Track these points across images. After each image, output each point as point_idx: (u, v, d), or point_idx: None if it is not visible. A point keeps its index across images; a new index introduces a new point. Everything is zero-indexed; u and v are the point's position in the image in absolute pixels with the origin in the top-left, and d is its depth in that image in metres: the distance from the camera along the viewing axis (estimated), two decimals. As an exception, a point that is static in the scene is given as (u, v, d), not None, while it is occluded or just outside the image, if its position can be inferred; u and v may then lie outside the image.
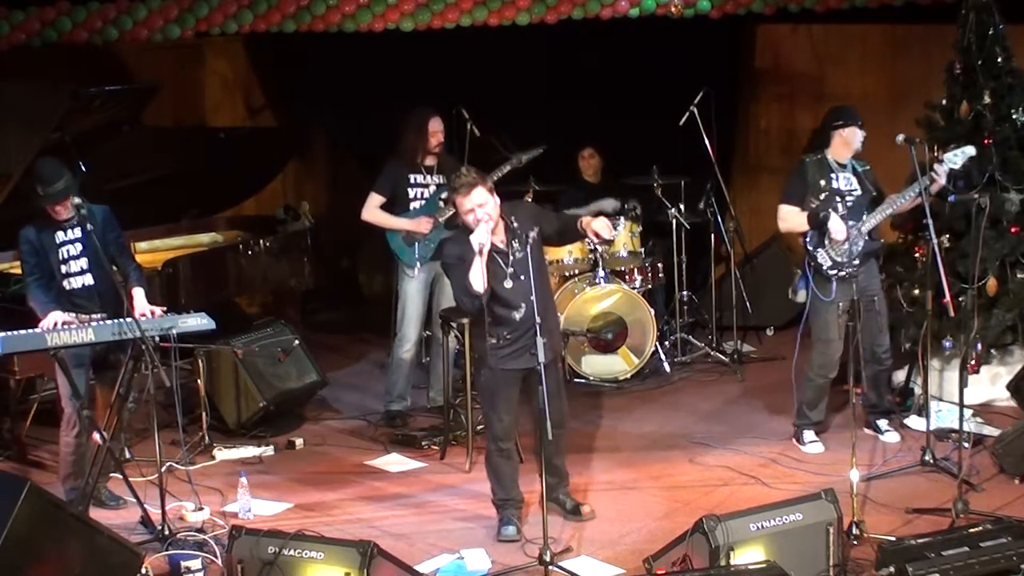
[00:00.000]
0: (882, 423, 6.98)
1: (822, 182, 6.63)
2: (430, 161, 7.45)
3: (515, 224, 5.68)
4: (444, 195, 7.43)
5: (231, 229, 8.97)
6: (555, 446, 5.82)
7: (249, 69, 10.48)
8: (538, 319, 5.49)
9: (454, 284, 5.73)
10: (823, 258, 6.59)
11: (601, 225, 5.58)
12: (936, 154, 7.04)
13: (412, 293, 7.48)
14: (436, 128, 7.39)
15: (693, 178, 8.88)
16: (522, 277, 5.60)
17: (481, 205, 5.53)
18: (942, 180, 6.47)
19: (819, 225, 6.54)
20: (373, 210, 7.43)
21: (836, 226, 6.49)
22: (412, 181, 7.43)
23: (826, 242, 6.57)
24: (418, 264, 7.43)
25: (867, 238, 6.60)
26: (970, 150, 6.56)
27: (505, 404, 5.79)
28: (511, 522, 5.90)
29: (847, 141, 6.66)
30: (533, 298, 5.53)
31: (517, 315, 5.61)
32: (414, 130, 7.38)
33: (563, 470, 6.12)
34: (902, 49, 9.35)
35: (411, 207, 7.43)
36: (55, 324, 5.80)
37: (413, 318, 7.50)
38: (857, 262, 6.53)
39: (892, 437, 6.92)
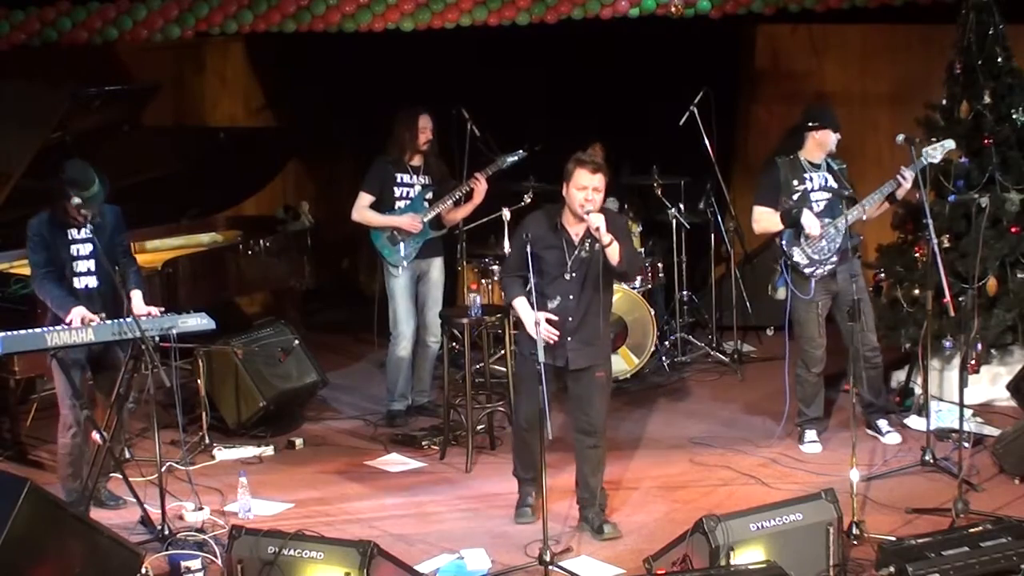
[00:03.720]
0: (883, 424, 6.97)
1: (795, 182, 6.65)
2: (416, 161, 7.47)
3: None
4: (429, 196, 7.47)
5: (231, 229, 8.97)
6: (590, 464, 5.88)
7: (249, 69, 10.48)
8: (570, 319, 5.67)
9: (508, 263, 5.96)
10: (799, 256, 6.60)
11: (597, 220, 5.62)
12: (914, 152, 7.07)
13: (400, 290, 7.48)
14: (425, 125, 7.40)
15: (693, 178, 8.87)
16: (574, 274, 5.70)
17: (597, 190, 5.62)
18: (907, 184, 6.44)
19: (793, 223, 6.56)
20: (363, 210, 7.44)
21: (809, 222, 6.51)
22: (399, 180, 7.44)
23: (801, 240, 6.58)
24: (404, 263, 7.44)
25: (843, 234, 6.58)
26: (949, 143, 6.54)
27: (528, 392, 5.79)
28: (526, 503, 6.01)
29: (820, 143, 6.67)
30: (572, 298, 5.69)
31: (551, 304, 5.72)
32: (405, 127, 7.40)
33: (596, 489, 5.91)
34: (902, 49, 9.35)
35: (396, 207, 7.44)
36: (82, 319, 5.79)
37: (405, 315, 7.50)
38: (835, 259, 6.55)
39: (893, 438, 6.91)
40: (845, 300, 6.53)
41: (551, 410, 5.48)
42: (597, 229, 5.53)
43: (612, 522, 5.91)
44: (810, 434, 6.89)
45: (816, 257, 6.57)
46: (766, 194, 6.72)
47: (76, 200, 5.77)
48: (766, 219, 6.70)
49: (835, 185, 6.68)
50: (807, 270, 6.60)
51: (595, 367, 5.80)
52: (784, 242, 6.64)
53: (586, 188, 5.58)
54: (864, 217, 6.65)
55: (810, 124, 6.70)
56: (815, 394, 6.89)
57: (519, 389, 6.03)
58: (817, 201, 6.64)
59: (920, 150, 6.39)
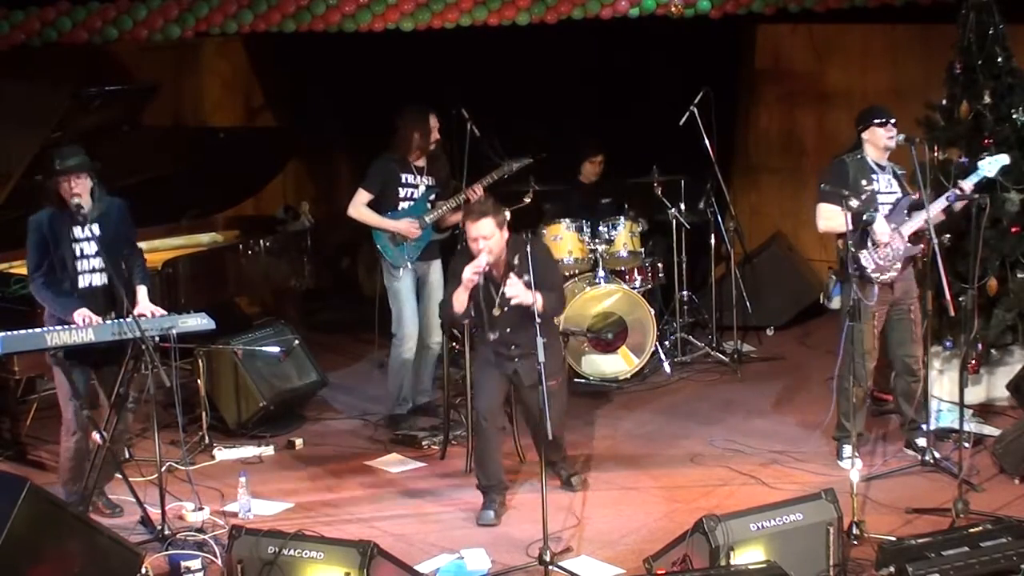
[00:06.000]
0: (922, 442, 6.63)
1: (863, 182, 6.45)
2: (421, 162, 7.45)
3: (515, 262, 5.92)
4: (433, 197, 7.46)
5: (231, 229, 8.97)
6: (554, 441, 6.05)
7: (249, 69, 10.48)
8: (514, 347, 5.95)
9: (446, 293, 6.10)
10: (866, 260, 6.35)
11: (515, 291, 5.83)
12: (937, 154, 7.04)
13: (404, 291, 7.46)
14: (436, 124, 7.38)
15: (693, 178, 8.87)
16: (506, 309, 5.89)
17: (485, 238, 5.79)
18: (968, 191, 6.28)
19: (863, 226, 6.33)
20: (360, 207, 7.40)
21: (881, 228, 6.32)
22: (403, 181, 7.41)
23: (869, 244, 6.38)
24: (407, 264, 7.42)
25: (907, 242, 6.43)
26: (1004, 158, 6.42)
27: (487, 384, 6.07)
28: (490, 507, 6.06)
29: (871, 141, 6.53)
30: (508, 330, 5.93)
31: (491, 336, 5.93)
32: (414, 127, 7.35)
33: (561, 447, 6.41)
34: (902, 49, 9.35)
35: (400, 207, 7.42)
36: (87, 320, 5.78)
37: (410, 316, 7.48)
38: (899, 266, 6.43)
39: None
40: (896, 312, 6.50)
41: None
42: (515, 297, 5.79)
43: (578, 473, 6.48)
44: (847, 449, 6.47)
45: (882, 263, 6.38)
46: (833, 192, 6.37)
47: (56, 167, 5.76)
48: (834, 217, 6.33)
49: (899, 191, 6.54)
50: (874, 275, 6.36)
51: (552, 376, 5.80)
52: (851, 245, 6.33)
53: (476, 239, 5.79)
54: (924, 225, 6.29)
55: (858, 126, 6.55)
56: (859, 409, 6.56)
57: (477, 380, 6.18)
58: (883, 204, 6.46)
59: (920, 149, 6.34)
